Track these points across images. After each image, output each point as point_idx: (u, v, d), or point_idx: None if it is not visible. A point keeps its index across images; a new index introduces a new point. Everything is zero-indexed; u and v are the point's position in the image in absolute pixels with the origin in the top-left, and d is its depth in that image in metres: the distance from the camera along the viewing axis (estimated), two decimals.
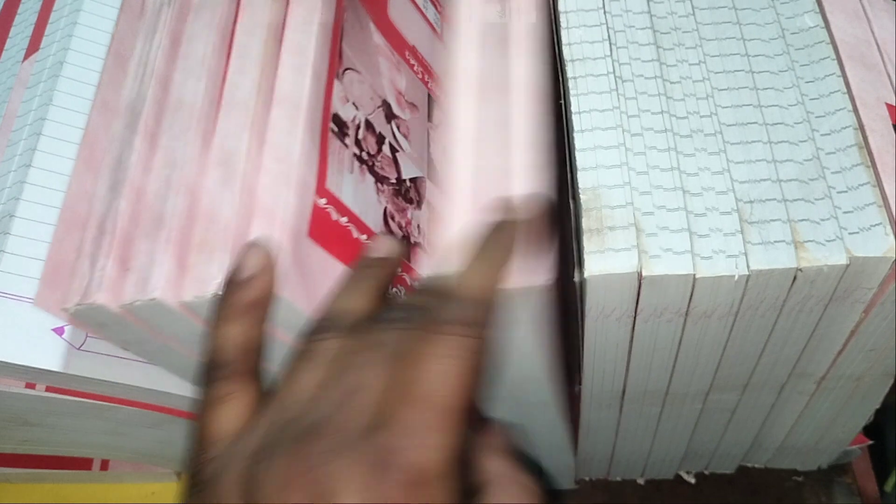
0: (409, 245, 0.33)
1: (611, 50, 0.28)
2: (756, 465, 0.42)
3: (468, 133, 0.27)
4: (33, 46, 0.34)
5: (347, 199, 0.29)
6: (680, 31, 0.29)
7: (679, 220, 0.25)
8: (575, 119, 0.27)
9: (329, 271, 0.27)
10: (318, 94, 0.28)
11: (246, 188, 0.27)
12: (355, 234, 0.29)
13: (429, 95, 0.39)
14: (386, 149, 0.33)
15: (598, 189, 0.25)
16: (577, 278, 0.26)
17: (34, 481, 0.43)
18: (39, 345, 0.28)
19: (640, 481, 0.43)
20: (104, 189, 0.28)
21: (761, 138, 0.26)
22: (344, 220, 0.29)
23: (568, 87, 0.28)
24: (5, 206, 0.29)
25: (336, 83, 0.30)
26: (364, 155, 0.31)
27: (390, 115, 0.34)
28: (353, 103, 0.31)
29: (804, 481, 0.42)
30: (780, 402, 0.34)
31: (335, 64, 0.30)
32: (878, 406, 0.34)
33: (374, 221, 0.31)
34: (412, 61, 0.38)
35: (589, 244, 0.25)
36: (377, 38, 0.35)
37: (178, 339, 0.27)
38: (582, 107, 0.27)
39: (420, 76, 0.39)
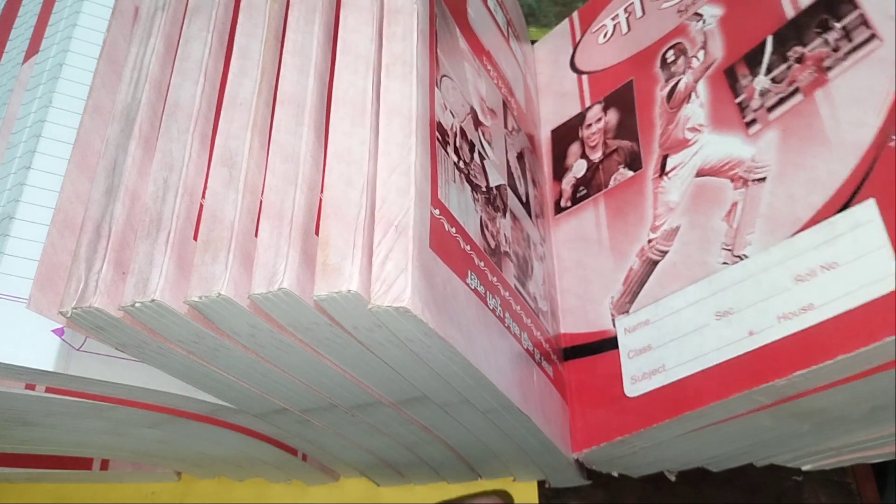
0: (500, 254, 0.33)
1: None
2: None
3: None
4: (33, 49, 0.34)
5: (454, 209, 0.29)
6: None
7: None
8: None
9: (448, 284, 0.27)
10: (369, 91, 0.28)
11: (250, 188, 0.27)
12: (462, 244, 0.29)
13: (503, 101, 0.39)
14: (476, 156, 0.33)
15: None
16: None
17: (34, 481, 0.43)
18: (39, 346, 0.28)
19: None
20: (99, 193, 0.28)
21: None
22: (453, 230, 0.29)
23: None
24: (5, 209, 0.29)
25: (436, 91, 0.30)
26: (461, 163, 0.31)
27: (477, 122, 0.34)
28: (451, 111, 0.31)
29: (804, 481, 0.42)
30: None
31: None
32: None
33: (473, 231, 0.31)
34: (489, 67, 0.38)
35: None
36: (462, 44, 0.35)
37: (178, 342, 0.27)
38: None
39: (496, 82, 0.39)
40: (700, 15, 0.38)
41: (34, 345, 0.27)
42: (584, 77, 0.43)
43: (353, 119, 0.27)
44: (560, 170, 0.41)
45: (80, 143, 0.30)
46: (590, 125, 0.41)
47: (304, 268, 0.25)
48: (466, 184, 0.32)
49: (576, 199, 0.39)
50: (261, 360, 0.29)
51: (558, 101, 0.44)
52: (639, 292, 0.35)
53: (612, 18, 0.43)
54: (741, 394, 0.29)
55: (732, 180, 0.33)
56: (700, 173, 0.34)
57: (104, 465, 0.42)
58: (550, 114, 0.44)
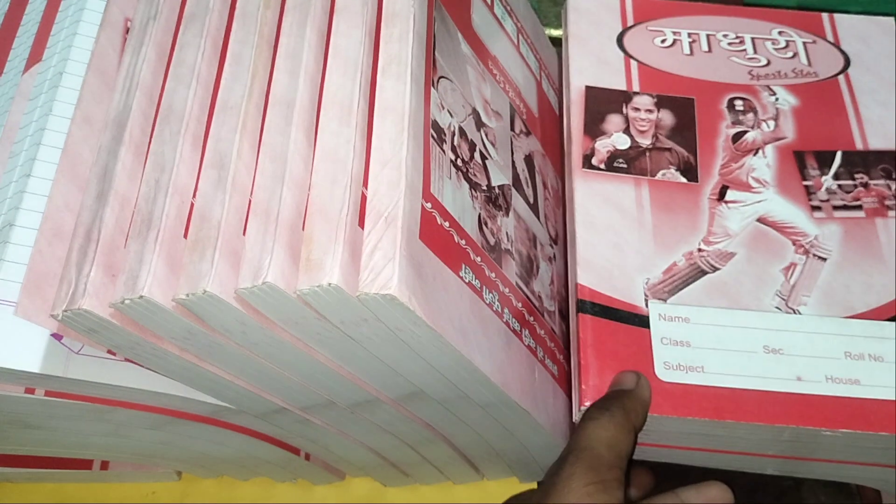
0: (501, 251, 0.34)
1: None
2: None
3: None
4: (34, 58, 0.35)
5: (448, 204, 0.30)
6: None
7: None
8: None
9: (439, 275, 0.28)
10: (356, 92, 0.29)
11: (238, 188, 0.27)
12: (456, 238, 0.30)
13: (510, 105, 0.40)
14: (477, 156, 0.34)
15: None
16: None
17: (35, 481, 0.43)
18: (38, 350, 0.28)
19: None
20: (91, 199, 0.28)
21: None
22: (446, 224, 0.30)
23: None
24: (6, 216, 0.30)
25: (433, 91, 0.31)
26: (459, 161, 0.32)
27: (479, 124, 0.35)
28: (448, 111, 0.32)
29: (803, 481, 0.42)
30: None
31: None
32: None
33: (470, 227, 0.32)
34: (494, 71, 0.39)
35: None
36: (465, 48, 0.36)
37: (170, 339, 0.27)
38: None
39: (502, 86, 0.40)
40: (773, 91, 0.43)
41: (33, 349, 0.28)
42: (634, 62, 0.45)
43: (340, 119, 0.28)
44: (595, 129, 0.42)
45: (68, 152, 0.30)
46: (638, 109, 0.43)
47: (290, 263, 0.25)
48: (464, 181, 0.32)
49: (612, 167, 0.41)
50: (255, 357, 0.29)
51: (598, 64, 0.45)
52: (682, 289, 0.37)
53: (674, 33, 0.46)
54: (783, 426, 0.33)
55: (794, 244, 0.38)
56: (762, 221, 0.39)
57: (104, 464, 0.42)
58: (585, 69, 0.45)
